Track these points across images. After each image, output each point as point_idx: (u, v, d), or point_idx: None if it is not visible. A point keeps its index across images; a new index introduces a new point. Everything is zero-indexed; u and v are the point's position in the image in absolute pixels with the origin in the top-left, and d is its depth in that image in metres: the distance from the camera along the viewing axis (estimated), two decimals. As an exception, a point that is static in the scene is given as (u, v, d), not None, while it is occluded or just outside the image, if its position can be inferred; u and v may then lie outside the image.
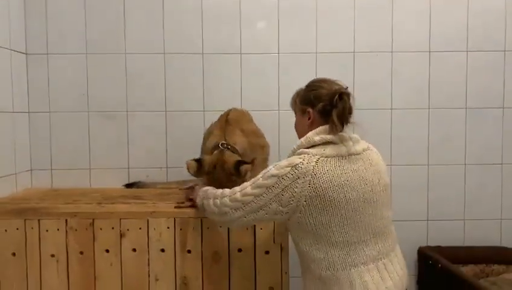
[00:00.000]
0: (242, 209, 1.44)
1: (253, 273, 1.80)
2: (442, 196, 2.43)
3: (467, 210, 2.45)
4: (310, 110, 1.49)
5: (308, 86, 1.55)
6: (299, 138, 1.53)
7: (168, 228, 1.78)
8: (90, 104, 2.35)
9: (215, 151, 1.78)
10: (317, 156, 1.38)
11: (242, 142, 1.89)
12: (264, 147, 2.03)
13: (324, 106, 1.44)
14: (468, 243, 2.44)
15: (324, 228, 1.37)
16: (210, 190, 1.62)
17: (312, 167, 1.35)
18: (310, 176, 1.35)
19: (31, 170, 2.36)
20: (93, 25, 2.34)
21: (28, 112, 2.36)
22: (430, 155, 2.43)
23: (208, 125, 2.10)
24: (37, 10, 2.33)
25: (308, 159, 1.37)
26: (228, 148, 1.79)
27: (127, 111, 2.36)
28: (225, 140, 1.83)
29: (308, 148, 1.42)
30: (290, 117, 2.32)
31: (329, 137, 1.42)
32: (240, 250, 1.80)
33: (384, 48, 2.39)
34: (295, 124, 1.61)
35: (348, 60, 2.38)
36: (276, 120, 2.39)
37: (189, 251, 1.79)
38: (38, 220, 1.78)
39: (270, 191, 1.39)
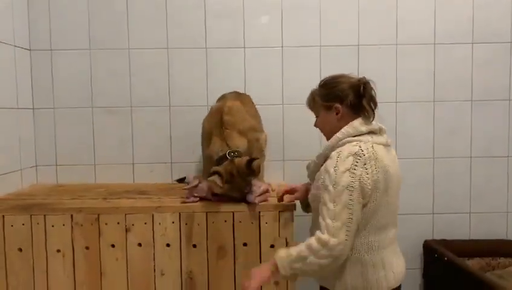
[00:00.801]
0: (347, 230, 1.39)
1: (258, 267, 1.80)
2: (448, 189, 2.42)
3: (473, 203, 2.43)
4: (338, 105, 1.52)
5: (325, 84, 1.57)
6: (327, 134, 1.58)
7: (173, 222, 1.79)
8: (94, 100, 2.35)
9: (226, 162, 1.79)
10: (370, 143, 1.45)
11: (243, 144, 1.92)
12: (258, 140, 2.04)
13: (353, 98, 1.50)
14: (474, 236, 2.43)
15: (375, 213, 1.44)
16: (290, 252, 1.43)
17: (372, 152, 1.43)
18: (374, 161, 1.42)
19: (36, 166, 2.37)
20: (96, 21, 2.34)
21: (33, 109, 2.36)
22: (435, 148, 2.42)
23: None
24: (41, 6, 2.33)
25: (364, 145, 1.44)
26: (235, 156, 1.81)
27: (131, 106, 2.36)
28: (227, 146, 1.86)
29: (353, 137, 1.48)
30: (294, 111, 2.35)
31: (373, 126, 1.50)
32: (245, 244, 1.80)
33: (388, 41, 2.37)
34: (319, 123, 1.61)
35: (352, 53, 2.36)
36: (280, 114, 2.38)
37: (194, 246, 1.80)
38: (44, 215, 1.78)
39: (350, 189, 1.39)
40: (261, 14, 2.36)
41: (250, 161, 1.76)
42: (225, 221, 1.79)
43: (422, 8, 2.37)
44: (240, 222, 1.79)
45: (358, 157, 1.41)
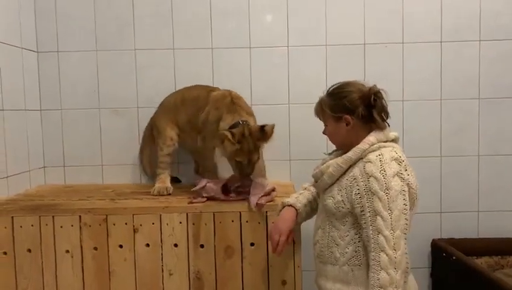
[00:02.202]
0: (405, 238, 1.36)
1: (266, 267, 1.80)
2: (456, 188, 2.41)
3: (481, 202, 2.42)
4: (348, 116, 1.48)
5: (334, 94, 1.53)
6: (337, 144, 1.58)
7: (181, 222, 1.79)
8: (101, 101, 2.36)
9: (239, 127, 1.85)
10: (399, 149, 1.46)
11: (251, 122, 1.97)
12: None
13: (363, 110, 1.47)
14: (483, 235, 2.41)
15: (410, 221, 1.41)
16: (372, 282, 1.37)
17: (405, 157, 1.43)
18: (409, 166, 1.43)
19: (44, 167, 2.39)
20: (102, 22, 2.35)
21: (40, 110, 2.38)
22: (442, 147, 2.40)
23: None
24: (47, 9, 2.34)
25: (398, 151, 1.44)
26: (247, 124, 1.89)
27: (137, 107, 2.37)
28: (240, 117, 1.92)
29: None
30: (300, 110, 2.35)
31: (395, 134, 1.52)
32: (252, 244, 1.80)
33: (394, 39, 2.36)
34: (329, 132, 1.57)
35: (358, 52, 2.36)
36: (286, 113, 2.38)
37: (202, 246, 1.80)
38: (53, 216, 1.80)
39: (403, 193, 1.37)
40: (267, 13, 2.36)
41: (263, 126, 1.85)
42: (232, 221, 1.79)
43: (429, 6, 2.35)
44: (247, 221, 1.79)
45: (399, 162, 1.40)
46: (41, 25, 2.35)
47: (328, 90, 1.55)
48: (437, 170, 2.41)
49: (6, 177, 2.04)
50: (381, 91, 1.48)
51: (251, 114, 2.03)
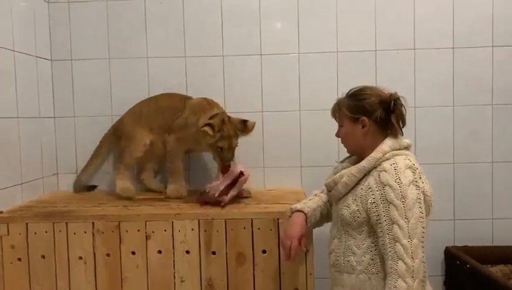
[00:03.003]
0: (423, 246, 1.35)
1: (277, 274, 1.80)
2: (469, 195, 2.38)
3: (495, 209, 2.39)
4: (365, 118, 1.49)
5: (354, 95, 1.53)
6: (349, 146, 1.57)
7: (193, 229, 1.80)
8: (114, 108, 2.39)
9: (217, 115, 1.96)
10: (412, 157, 1.46)
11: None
12: None
13: (381, 114, 1.47)
14: (497, 242, 2.38)
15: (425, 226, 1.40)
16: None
17: (418, 165, 1.44)
18: (423, 173, 1.43)
19: (57, 173, 2.41)
20: (115, 31, 2.38)
21: (54, 117, 2.41)
22: (455, 153, 2.38)
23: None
24: (61, 18, 2.38)
25: (412, 159, 1.44)
26: (225, 113, 2.02)
27: (149, 114, 2.38)
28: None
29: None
30: (311, 117, 2.35)
31: (408, 141, 1.52)
32: (264, 251, 1.80)
33: (406, 46, 2.35)
34: (343, 133, 1.57)
35: (370, 59, 2.35)
36: (297, 120, 2.38)
37: (213, 253, 1.80)
38: (66, 223, 1.81)
39: (419, 201, 1.37)
40: (277, 20, 2.37)
41: (245, 120, 1.98)
42: (244, 228, 1.79)
43: (441, 12, 2.34)
44: (259, 229, 1.79)
45: (414, 170, 1.40)
46: (55, 33, 2.38)
47: (348, 92, 1.56)
48: (450, 176, 2.38)
49: (21, 184, 2.06)
50: (401, 98, 1.48)
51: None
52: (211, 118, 1.95)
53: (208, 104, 2.12)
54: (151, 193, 2.28)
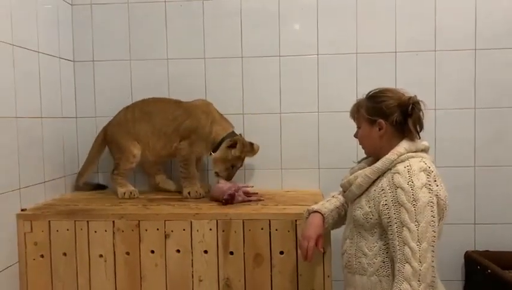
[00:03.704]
0: (433, 251, 1.33)
1: (295, 276, 1.80)
2: (491, 199, 2.34)
3: (517, 213, 2.34)
4: (382, 121, 1.48)
5: (372, 97, 1.53)
6: (367, 148, 1.57)
7: (211, 229, 1.81)
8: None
9: (237, 137, 2.15)
10: (429, 159, 1.44)
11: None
12: None
13: (398, 117, 1.46)
14: (519, 247, 2.34)
15: (439, 233, 1.40)
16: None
17: (434, 167, 1.41)
18: (438, 176, 1.41)
19: (79, 173, 2.45)
20: (136, 33, 2.42)
21: (76, 117, 2.45)
22: (476, 156, 2.34)
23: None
24: (84, 20, 2.43)
25: (427, 161, 1.42)
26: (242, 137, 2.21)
27: (169, 115, 2.41)
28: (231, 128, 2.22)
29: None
30: (330, 118, 2.34)
31: (426, 144, 1.50)
32: (281, 252, 1.80)
33: (427, 47, 2.33)
34: (360, 135, 1.57)
35: (390, 60, 2.33)
36: (315, 122, 2.38)
37: (231, 253, 1.81)
38: (87, 221, 1.85)
39: (431, 205, 1.35)
40: (297, 22, 2.37)
41: (251, 143, 2.21)
42: (262, 229, 1.80)
43: (462, 13, 2.31)
44: (277, 230, 1.80)
45: (428, 173, 1.38)
46: (78, 35, 2.44)
47: (368, 94, 1.56)
48: (471, 180, 2.35)
49: (44, 182, 2.11)
50: (420, 102, 1.47)
51: None
52: (229, 135, 2.15)
53: (207, 104, 2.24)
54: (169, 192, 2.30)
